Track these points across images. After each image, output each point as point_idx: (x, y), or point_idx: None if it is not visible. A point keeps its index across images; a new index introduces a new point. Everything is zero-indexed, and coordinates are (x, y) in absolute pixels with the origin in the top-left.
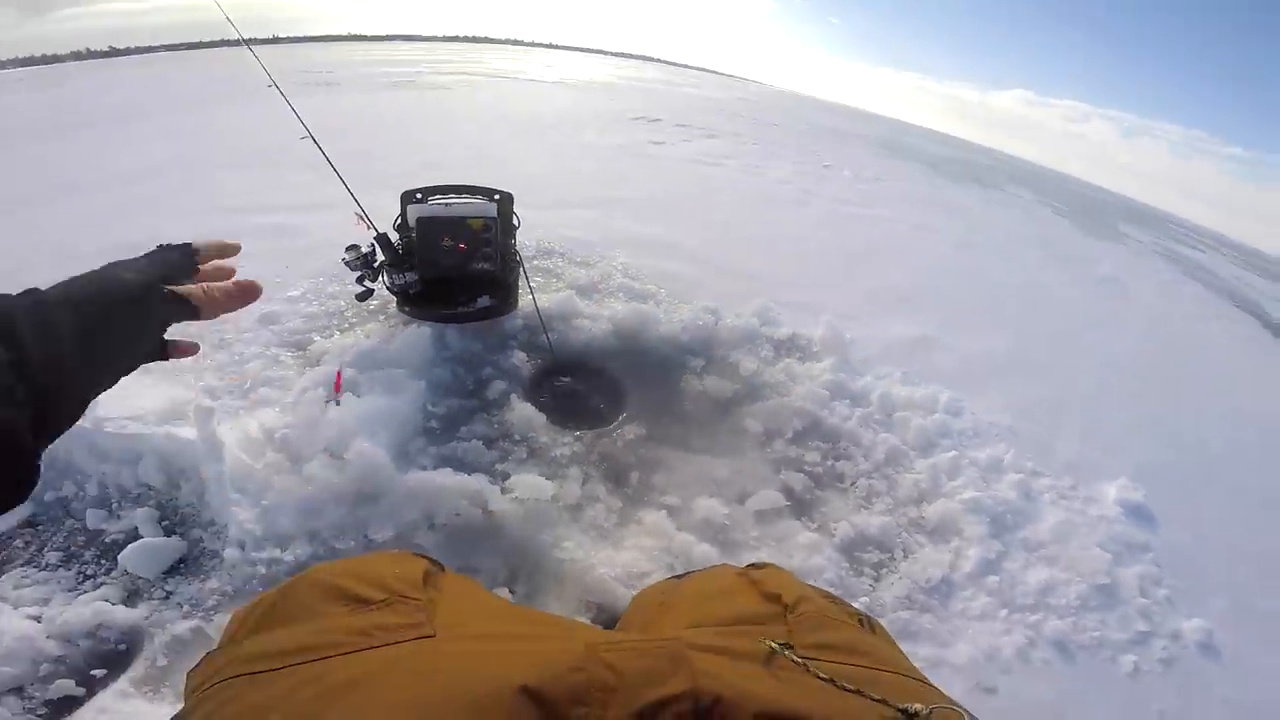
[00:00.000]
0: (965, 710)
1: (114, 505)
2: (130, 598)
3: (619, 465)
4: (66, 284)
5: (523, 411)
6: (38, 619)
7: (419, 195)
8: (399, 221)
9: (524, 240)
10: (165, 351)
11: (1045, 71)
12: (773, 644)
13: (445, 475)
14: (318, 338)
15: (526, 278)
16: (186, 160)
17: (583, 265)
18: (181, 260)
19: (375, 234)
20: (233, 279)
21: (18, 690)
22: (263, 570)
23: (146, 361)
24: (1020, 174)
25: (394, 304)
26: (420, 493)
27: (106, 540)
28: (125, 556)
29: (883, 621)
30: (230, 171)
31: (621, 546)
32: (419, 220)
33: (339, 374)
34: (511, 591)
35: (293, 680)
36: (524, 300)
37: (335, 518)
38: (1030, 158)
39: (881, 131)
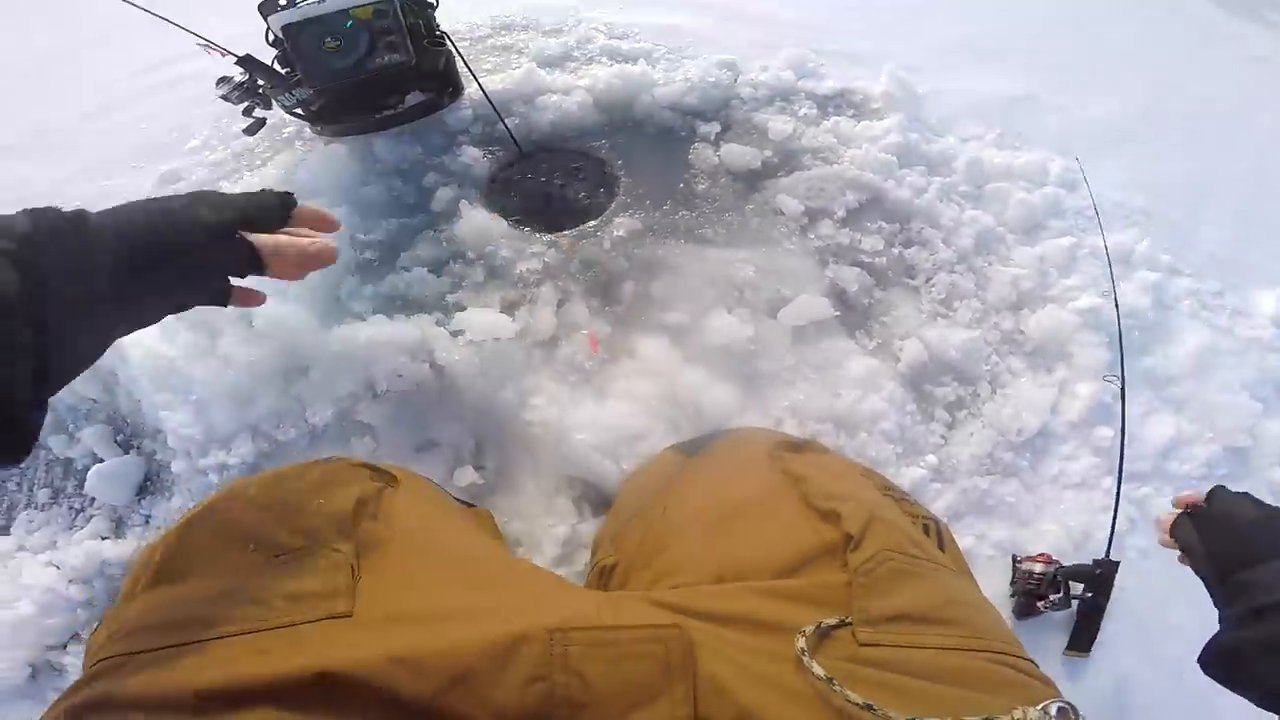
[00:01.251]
0: (1071, 705)
1: (69, 426)
2: (118, 528)
3: (608, 274)
4: (129, 208)
5: (476, 219)
6: (57, 566)
7: (281, 2)
8: (271, 39)
9: (474, 19)
10: (227, 297)
11: None
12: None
13: (379, 324)
14: (226, 184)
15: (462, 58)
16: (43, 50)
17: (553, 34)
18: (276, 209)
19: (235, 59)
20: (312, 242)
21: (75, 638)
22: (215, 479)
23: (199, 305)
24: None
25: (308, 128)
26: (350, 354)
27: (77, 467)
28: (90, 485)
29: (955, 490)
30: (97, 48)
31: (608, 395)
32: (284, 29)
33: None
34: (479, 469)
35: (170, 670)
36: (471, 88)
37: (269, 403)
38: None
39: None
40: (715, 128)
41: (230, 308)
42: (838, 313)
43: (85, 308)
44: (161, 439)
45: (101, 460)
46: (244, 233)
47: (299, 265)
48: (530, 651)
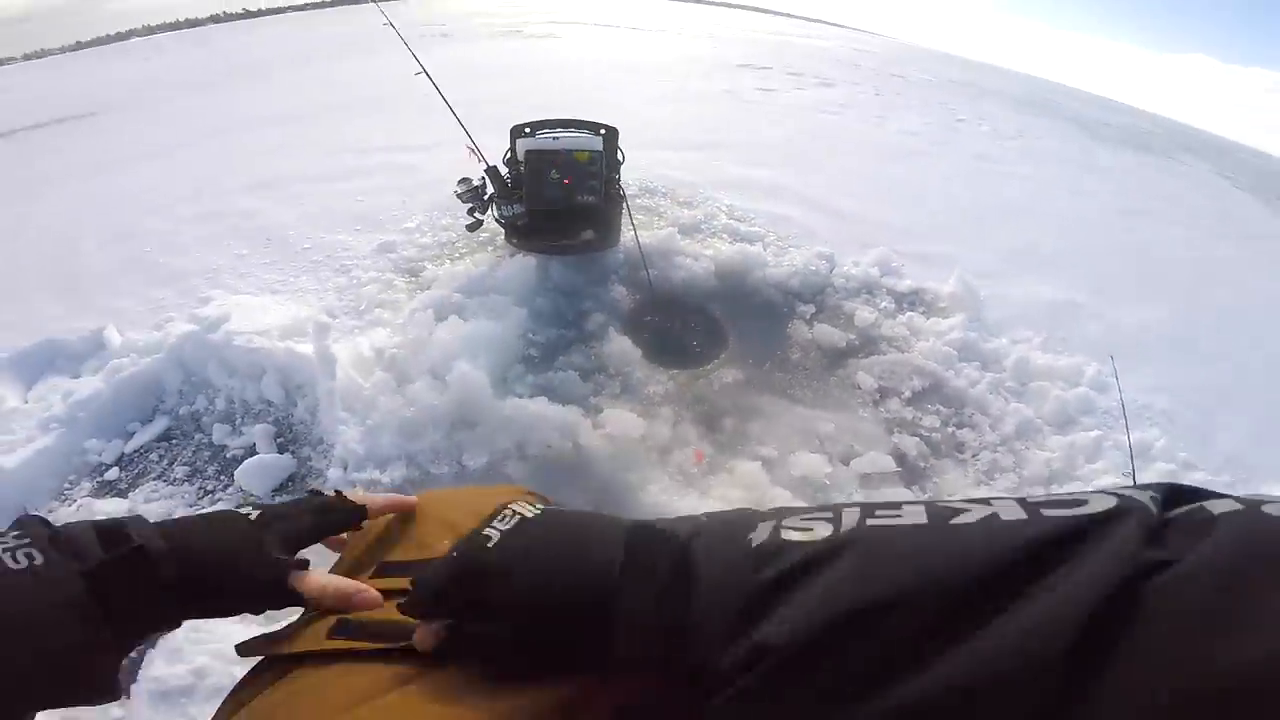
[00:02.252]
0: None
1: (237, 421)
2: None
3: (713, 409)
4: (197, 534)
5: (620, 345)
6: None
7: (527, 129)
8: (508, 155)
9: (625, 179)
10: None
11: (1228, 36)
12: None
13: (540, 404)
14: (429, 265)
15: (629, 213)
16: (321, 106)
17: (685, 205)
18: (347, 523)
19: (485, 167)
20: (358, 590)
21: None
22: (361, 492)
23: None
24: (1193, 142)
25: (502, 236)
26: (515, 421)
27: (227, 455)
28: (241, 473)
29: None
30: (351, 117)
31: (709, 495)
32: (527, 153)
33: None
34: None
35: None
36: (625, 236)
37: (433, 441)
38: (1206, 127)
39: (1022, 89)
40: (811, 309)
41: None
42: (899, 469)
43: (147, 624)
44: (323, 449)
45: (258, 454)
46: (295, 572)
47: (340, 608)
48: None
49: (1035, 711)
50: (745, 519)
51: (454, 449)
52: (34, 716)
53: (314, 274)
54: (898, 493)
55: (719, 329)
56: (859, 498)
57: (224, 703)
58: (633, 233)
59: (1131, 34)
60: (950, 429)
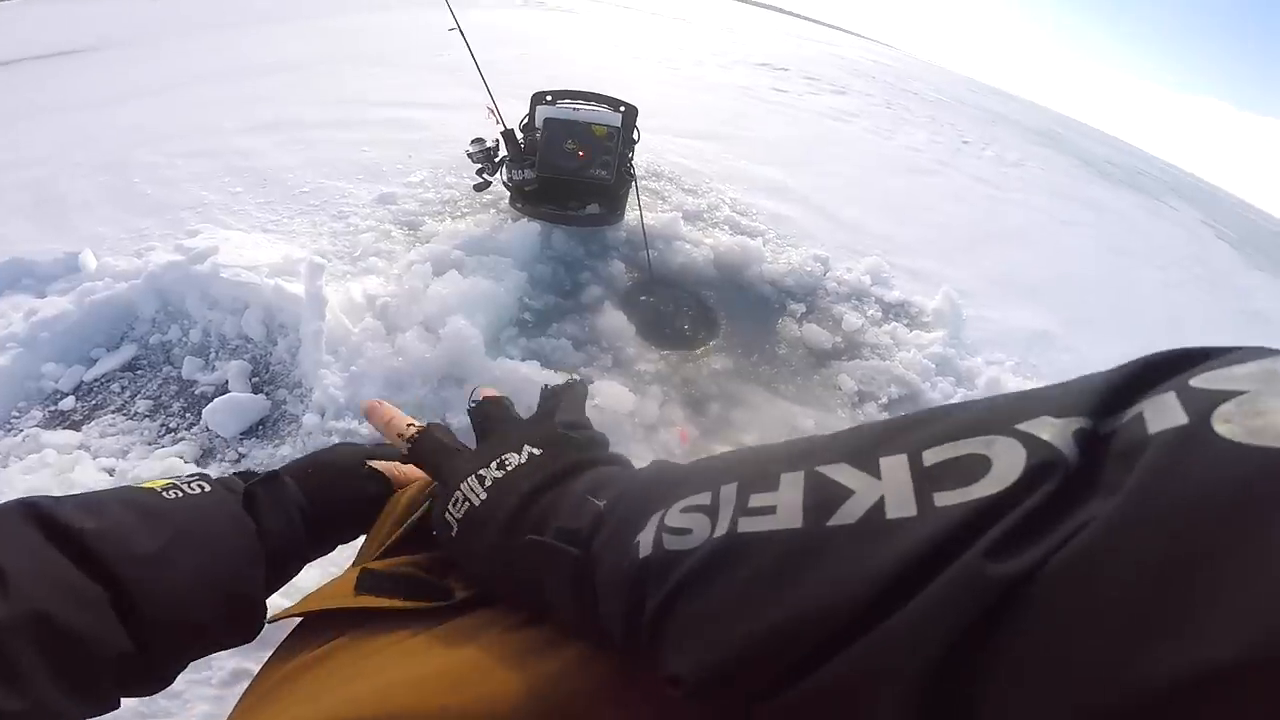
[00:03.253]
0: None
1: (212, 355)
2: (204, 456)
3: (701, 393)
4: (315, 471)
5: (614, 320)
6: (111, 472)
7: (549, 97)
8: (525, 121)
9: (634, 160)
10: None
11: (1246, 83)
12: None
13: (531, 368)
14: (430, 221)
15: (637, 193)
16: (329, 57)
17: (690, 193)
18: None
19: (502, 129)
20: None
21: None
22: (335, 440)
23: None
24: (1187, 188)
25: (506, 199)
26: (504, 382)
27: (196, 392)
28: (209, 411)
29: None
30: (369, 69)
31: None
32: (546, 120)
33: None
34: None
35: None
36: (629, 215)
37: (419, 395)
38: (1204, 173)
39: (1034, 119)
40: (802, 308)
41: None
42: None
43: (287, 543)
44: (300, 393)
45: (230, 392)
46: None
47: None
48: None
49: None
50: (642, 507)
51: (440, 404)
52: (199, 640)
53: (309, 217)
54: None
55: (712, 316)
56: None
57: (261, 672)
58: (638, 212)
59: (1151, 70)
60: None
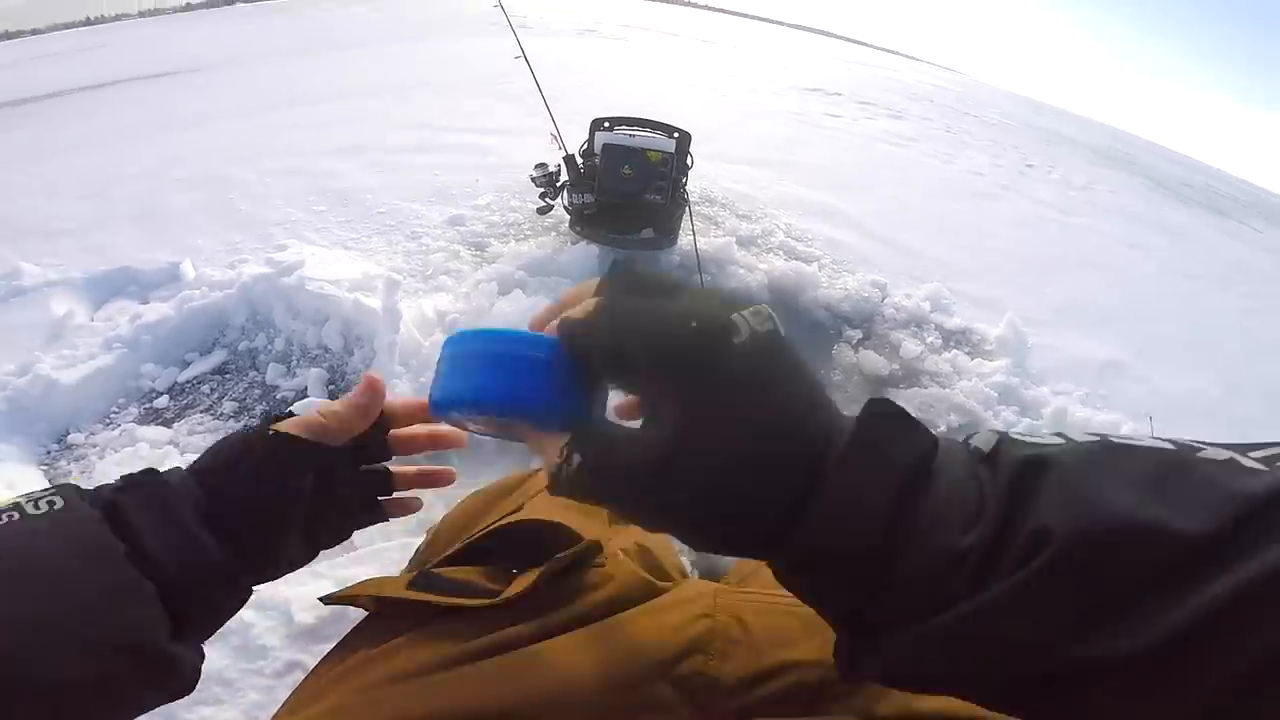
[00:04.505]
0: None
1: (293, 362)
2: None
3: None
4: (196, 461)
5: None
6: None
7: (607, 124)
8: (585, 147)
9: (688, 185)
10: (380, 512)
11: None
12: None
13: None
14: (495, 242)
15: (691, 217)
16: (402, 84)
17: (744, 218)
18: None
19: (564, 154)
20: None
21: None
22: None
23: (361, 525)
24: (1267, 208)
25: (567, 223)
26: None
27: (277, 396)
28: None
29: None
30: (439, 96)
31: None
32: (605, 146)
33: None
34: None
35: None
36: (683, 240)
37: None
38: None
39: (1101, 140)
40: (858, 334)
41: None
42: None
43: (187, 559)
44: None
45: (308, 397)
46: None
47: (353, 413)
48: (700, 598)
49: None
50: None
51: None
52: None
53: (385, 236)
54: None
55: None
56: None
57: (317, 668)
58: (691, 237)
59: (1225, 85)
60: None
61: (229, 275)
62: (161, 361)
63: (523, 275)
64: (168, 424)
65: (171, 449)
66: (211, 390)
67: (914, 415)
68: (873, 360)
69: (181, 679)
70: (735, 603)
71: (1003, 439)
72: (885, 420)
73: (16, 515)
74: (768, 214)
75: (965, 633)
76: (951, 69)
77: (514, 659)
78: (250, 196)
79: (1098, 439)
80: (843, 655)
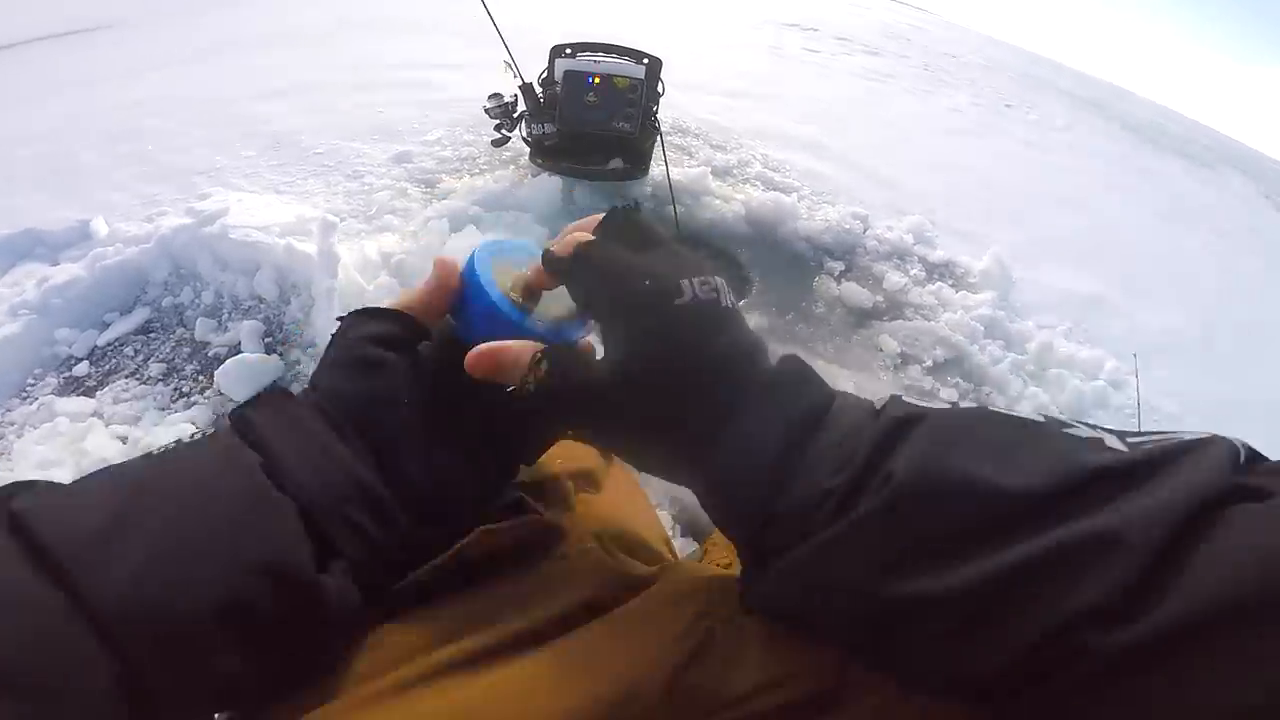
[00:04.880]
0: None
1: (224, 316)
2: (218, 421)
3: None
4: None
5: None
6: (124, 440)
7: (568, 50)
8: (544, 75)
9: (659, 114)
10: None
11: None
12: None
13: None
14: (447, 178)
15: (663, 147)
16: (345, 23)
17: (719, 148)
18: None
19: (520, 84)
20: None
21: None
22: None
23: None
24: (1244, 160)
25: (526, 155)
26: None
27: (209, 354)
28: (221, 374)
29: None
30: (385, 35)
31: None
32: (566, 73)
33: None
34: None
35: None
36: (654, 170)
37: None
38: (1268, 148)
39: (1079, 86)
40: (840, 266)
41: None
42: None
43: (326, 472)
44: (314, 353)
45: (243, 353)
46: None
47: (436, 292)
48: (695, 598)
49: (1120, 585)
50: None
51: None
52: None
53: (323, 178)
54: None
55: (744, 274)
56: None
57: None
58: (663, 167)
59: (1218, 40)
60: (967, 403)
61: (146, 229)
62: (78, 325)
63: (478, 211)
64: (90, 393)
65: (95, 421)
66: (136, 352)
67: (815, 373)
68: (855, 293)
69: (330, 613)
70: (734, 595)
71: (893, 399)
72: (789, 375)
73: (169, 445)
74: (744, 144)
75: (809, 566)
76: (926, 9)
77: (471, 683)
78: (171, 148)
79: (977, 406)
80: (741, 585)
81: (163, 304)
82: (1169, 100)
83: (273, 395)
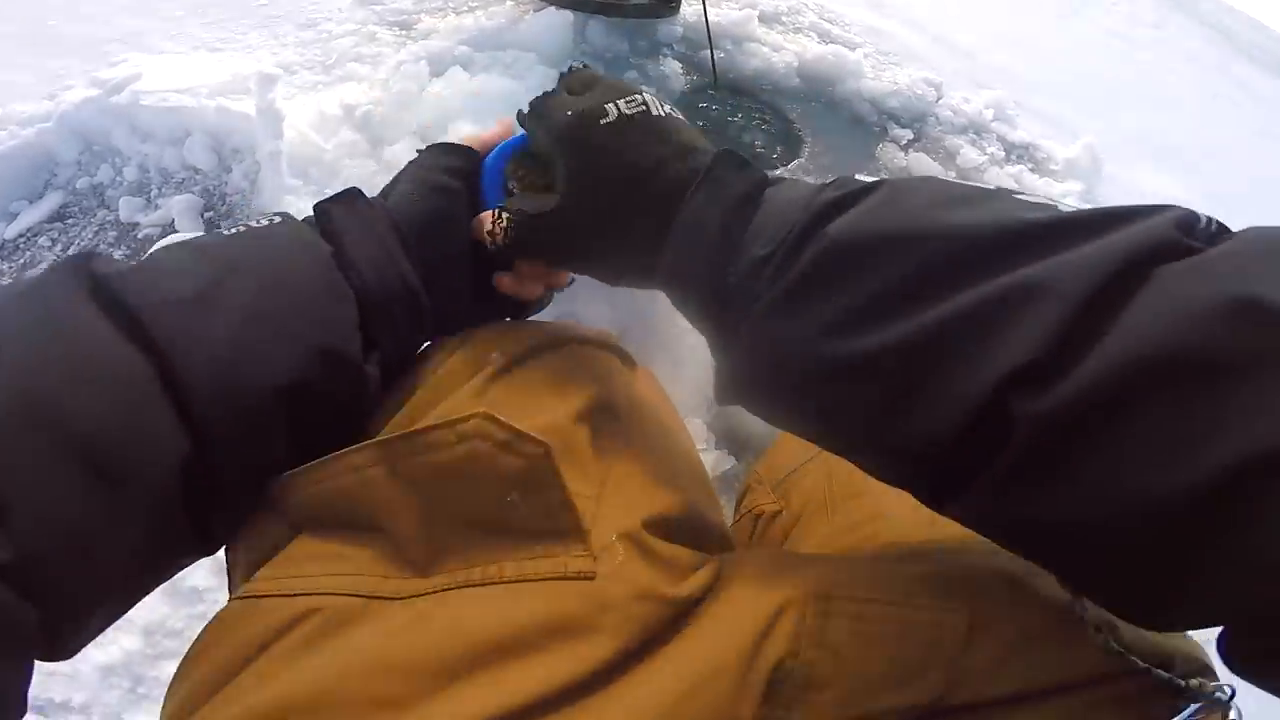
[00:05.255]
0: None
1: (153, 193)
2: None
3: None
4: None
5: None
6: None
7: None
8: None
9: None
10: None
11: None
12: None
13: None
14: (426, 18)
15: None
16: None
17: None
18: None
19: None
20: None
21: None
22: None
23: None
24: None
25: None
26: None
27: (139, 235)
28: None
29: None
30: None
31: None
32: None
33: None
34: None
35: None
36: (686, 9)
37: None
38: None
39: None
40: (908, 135)
41: None
42: None
43: (385, 273)
44: None
45: (176, 232)
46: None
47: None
48: (787, 617)
49: (1042, 340)
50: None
51: None
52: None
53: (268, 30)
54: None
55: (795, 132)
56: None
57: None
58: (699, 6)
59: None
60: None
61: (46, 107)
62: None
63: (465, 51)
64: None
65: None
66: (53, 242)
67: (751, 161)
68: (925, 165)
69: (369, 401)
70: (826, 621)
71: (842, 177)
72: (723, 163)
73: (241, 229)
74: None
75: (757, 338)
76: None
77: None
78: (77, 18)
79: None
80: (715, 374)
81: (78, 186)
82: (1268, 17)
83: (351, 194)
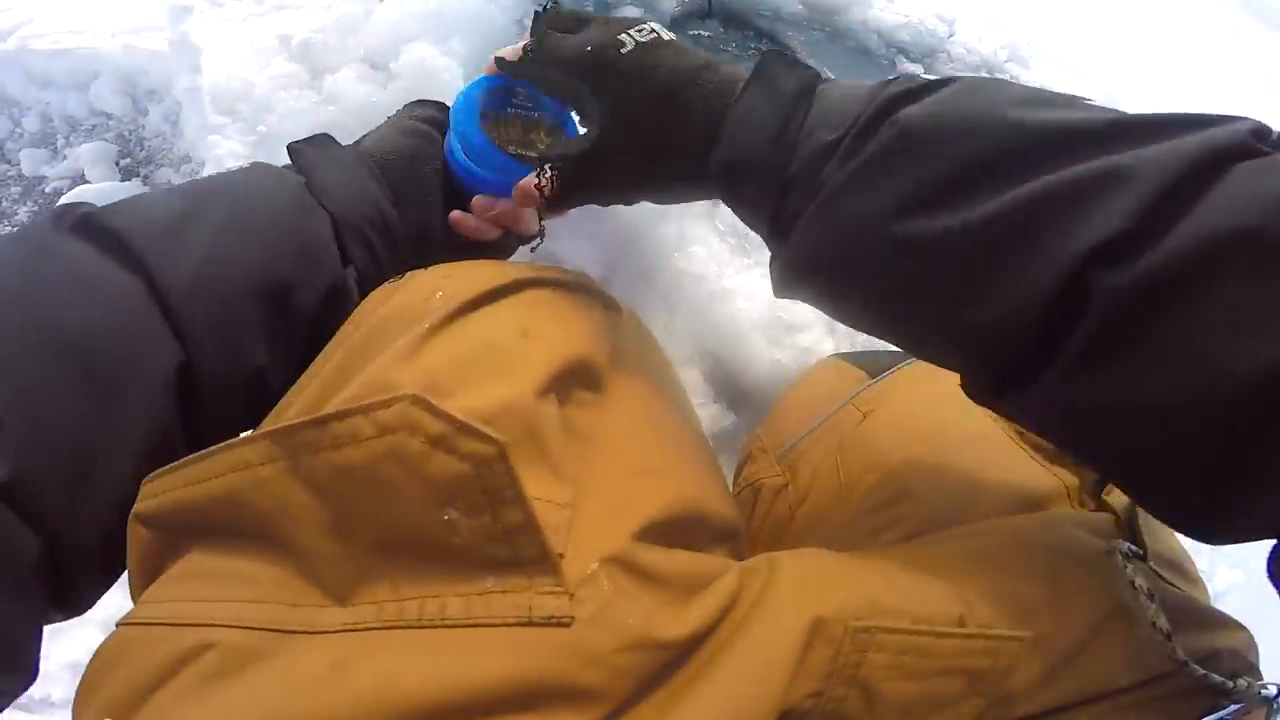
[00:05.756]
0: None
1: (59, 142)
2: None
3: None
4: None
5: None
6: None
7: None
8: None
9: None
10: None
11: None
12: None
13: None
14: None
15: None
16: None
17: None
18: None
19: None
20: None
21: None
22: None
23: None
24: None
25: None
26: None
27: (46, 189)
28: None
29: None
30: None
31: (756, 259)
32: None
33: None
34: None
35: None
36: None
37: None
38: None
39: None
40: (918, 69)
41: None
42: None
43: (355, 198)
44: (189, 169)
45: (87, 183)
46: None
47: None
48: (820, 653)
49: (1126, 217)
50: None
51: None
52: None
53: None
54: None
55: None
56: None
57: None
58: None
59: None
60: None
61: None
62: None
63: None
64: None
65: None
66: None
67: (798, 58)
68: None
69: (344, 316)
70: (863, 656)
71: (909, 74)
72: (773, 61)
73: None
74: None
75: (826, 212)
76: None
77: None
78: None
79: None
80: (771, 266)
81: None
82: None
83: (322, 136)
